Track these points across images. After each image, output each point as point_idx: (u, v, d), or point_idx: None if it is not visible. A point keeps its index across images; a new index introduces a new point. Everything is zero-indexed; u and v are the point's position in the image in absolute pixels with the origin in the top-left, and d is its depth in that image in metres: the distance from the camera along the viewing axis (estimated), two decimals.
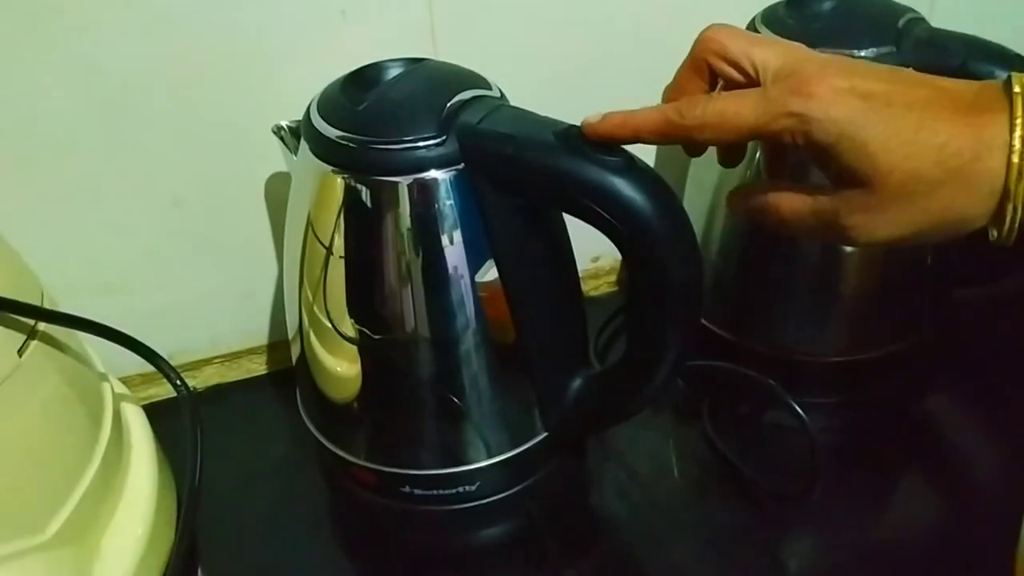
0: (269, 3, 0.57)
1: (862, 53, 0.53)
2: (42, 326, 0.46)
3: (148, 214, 0.61)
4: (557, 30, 0.64)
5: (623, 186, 0.43)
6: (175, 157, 0.59)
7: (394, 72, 0.50)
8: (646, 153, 0.45)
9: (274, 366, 0.69)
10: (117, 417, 0.52)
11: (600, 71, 0.67)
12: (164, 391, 0.65)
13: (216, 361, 0.68)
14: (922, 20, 0.56)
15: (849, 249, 0.58)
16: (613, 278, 0.77)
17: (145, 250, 0.62)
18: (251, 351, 0.69)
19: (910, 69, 0.41)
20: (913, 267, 0.60)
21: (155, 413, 0.57)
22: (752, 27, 0.58)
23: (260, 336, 0.68)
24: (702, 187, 0.62)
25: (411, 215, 0.47)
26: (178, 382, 0.51)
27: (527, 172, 0.45)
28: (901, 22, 0.55)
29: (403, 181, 0.46)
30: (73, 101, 0.55)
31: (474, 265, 0.49)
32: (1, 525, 0.43)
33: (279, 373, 0.69)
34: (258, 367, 0.69)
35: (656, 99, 0.69)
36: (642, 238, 0.44)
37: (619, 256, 0.75)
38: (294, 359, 0.57)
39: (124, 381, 0.61)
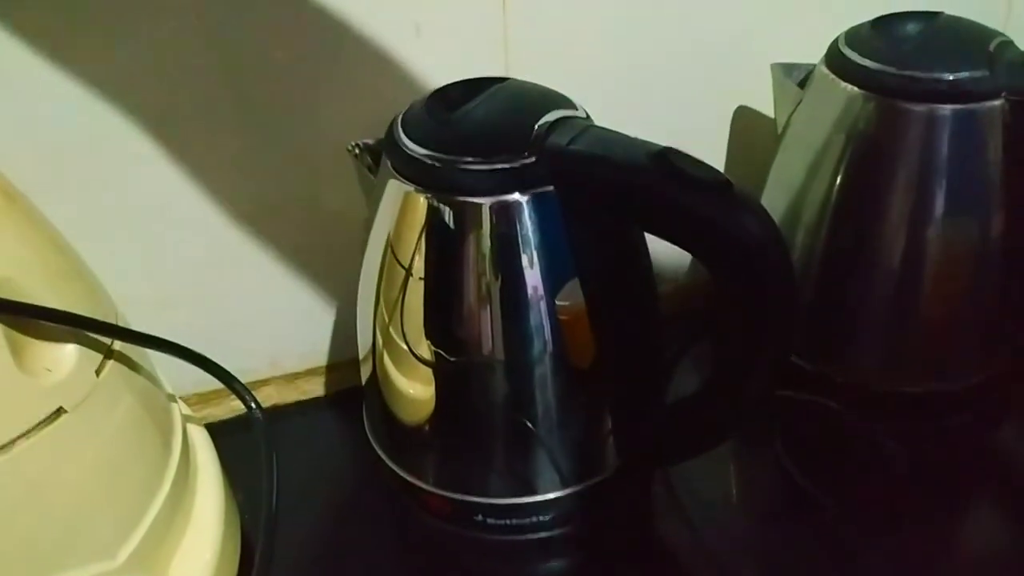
0: (341, 18, 0.56)
1: (953, 77, 0.52)
2: (117, 345, 0.45)
3: (211, 230, 0.60)
4: (632, 49, 0.63)
5: (722, 211, 0.42)
6: (241, 173, 0.58)
7: (479, 91, 0.49)
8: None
9: (333, 387, 0.68)
10: (185, 439, 0.51)
11: (675, 90, 0.66)
12: (220, 411, 0.64)
13: (274, 381, 0.66)
14: (1012, 44, 0.55)
15: (931, 275, 0.56)
16: (675, 303, 0.75)
17: (206, 267, 0.61)
18: (310, 371, 0.67)
19: None
20: (998, 298, 0.58)
21: (210, 434, 0.56)
22: (836, 49, 0.56)
23: (320, 356, 0.67)
24: (776, 211, 0.61)
25: (493, 237, 0.46)
26: (253, 405, 0.50)
27: (620, 194, 0.44)
28: (992, 45, 0.53)
29: (487, 202, 0.45)
30: (139, 113, 0.54)
31: (554, 289, 0.48)
32: (74, 550, 0.42)
33: (339, 394, 0.67)
34: (316, 388, 0.68)
35: (726, 116, 0.69)
36: (739, 265, 0.43)
37: (680, 282, 0.75)
38: (364, 380, 0.56)
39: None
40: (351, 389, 0.61)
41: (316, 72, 0.57)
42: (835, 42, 0.57)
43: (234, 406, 0.63)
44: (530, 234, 0.46)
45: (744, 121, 0.69)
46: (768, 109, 0.65)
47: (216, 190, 0.59)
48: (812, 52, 0.59)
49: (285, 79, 0.57)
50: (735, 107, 0.69)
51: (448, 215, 0.46)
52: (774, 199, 0.62)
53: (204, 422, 0.61)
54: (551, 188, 0.45)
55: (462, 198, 0.46)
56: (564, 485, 0.52)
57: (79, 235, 0.47)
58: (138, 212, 0.58)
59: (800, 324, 0.60)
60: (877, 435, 0.55)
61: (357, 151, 0.53)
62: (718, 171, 0.43)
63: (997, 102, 0.52)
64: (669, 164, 0.42)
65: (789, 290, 0.44)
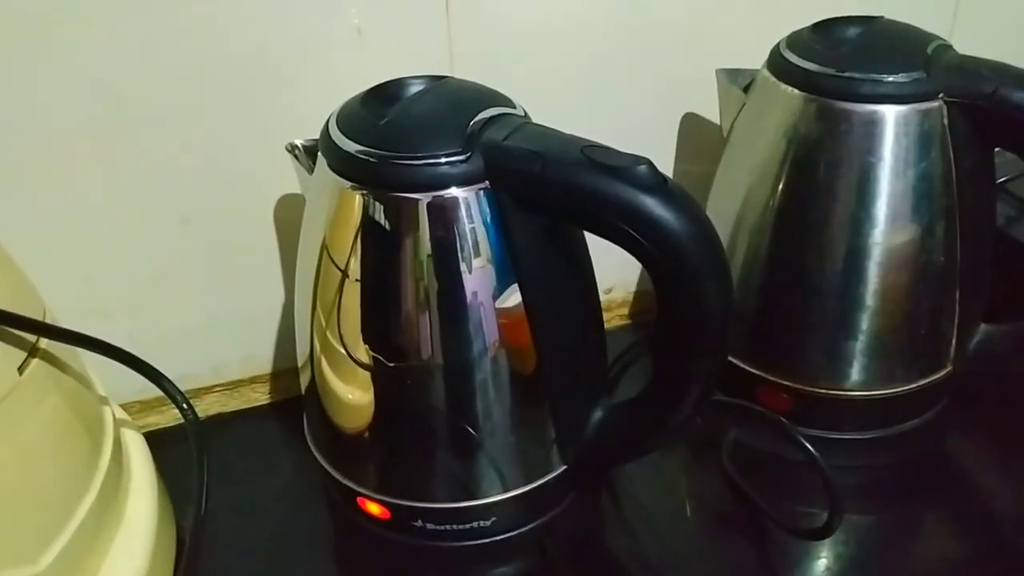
0: (283, 20, 0.55)
1: (891, 78, 0.52)
2: (43, 343, 0.44)
3: (153, 234, 0.59)
4: (575, 51, 0.63)
5: (655, 206, 0.42)
6: (184, 176, 0.58)
7: (416, 88, 0.48)
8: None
9: (277, 395, 0.67)
10: (117, 443, 0.50)
11: (618, 93, 0.66)
12: (163, 419, 0.63)
13: (217, 389, 0.65)
14: (950, 47, 0.55)
15: (874, 278, 0.56)
16: (626, 311, 0.75)
17: (148, 272, 0.60)
18: (254, 379, 0.66)
19: None
20: (940, 302, 0.58)
21: (152, 443, 0.55)
22: (777, 52, 0.56)
23: (264, 364, 0.66)
24: (721, 216, 0.61)
25: (431, 235, 0.45)
26: (184, 406, 0.49)
27: (555, 190, 0.44)
28: (929, 48, 0.54)
29: (423, 199, 0.45)
30: (79, 116, 0.54)
31: (494, 290, 0.47)
32: None
33: (283, 403, 0.66)
34: (260, 396, 0.67)
35: (673, 122, 0.69)
36: (674, 260, 0.42)
37: (631, 289, 0.75)
38: (303, 387, 0.55)
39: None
40: (296, 397, 0.60)
41: (258, 75, 0.56)
42: (777, 46, 0.57)
43: (177, 415, 0.61)
44: (468, 232, 0.46)
45: (691, 127, 0.69)
46: (715, 115, 0.65)
47: (160, 193, 0.58)
48: (758, 58, 0.60)
49: (229, 82, 0.56)
50: (682, 113, 0.69)
51: (384, 212, 0.46)
52: (720, 203, 0.62)
53: (147, 430, 0.60)
54: (488, 185, 0.45)
55: (398, 194, 0.45)
56: (505, 489, 0.52)
57: (12, 239, 0.46)
58: (74, 219, 0.57)
59: (745, 328, 0.60)
60: (822, 439, 0.54)
61: (296, 151, 0.52)
62: (655, 168, 0.42)
63: (935, 104, 0.52)
64: (602, 159, 0.42)
65: (723, 285, 0.43)
